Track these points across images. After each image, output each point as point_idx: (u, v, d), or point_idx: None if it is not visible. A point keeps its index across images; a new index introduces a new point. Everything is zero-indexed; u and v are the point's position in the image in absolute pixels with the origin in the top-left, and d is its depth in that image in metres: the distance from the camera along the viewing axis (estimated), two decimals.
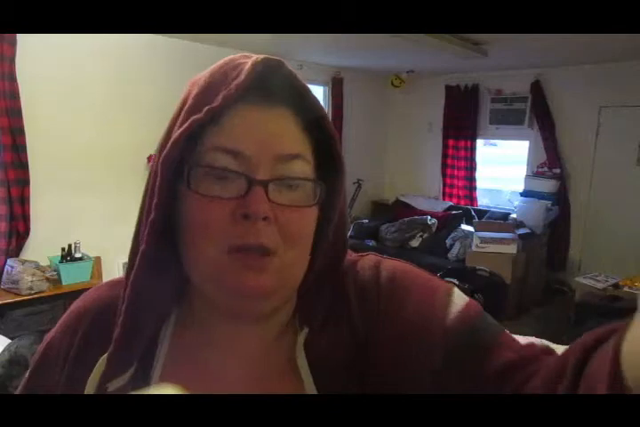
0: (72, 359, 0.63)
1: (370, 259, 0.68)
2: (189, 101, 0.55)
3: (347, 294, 0.63)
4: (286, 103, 0.56)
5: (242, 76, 0.53)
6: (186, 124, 0.52)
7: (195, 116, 0.52)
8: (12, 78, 3.62)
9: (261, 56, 0.56)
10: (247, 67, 0.54)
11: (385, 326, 0.61)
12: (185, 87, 0.60)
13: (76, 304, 0.68)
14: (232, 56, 0.58)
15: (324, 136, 0.59)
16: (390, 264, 0.67)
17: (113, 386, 0.57)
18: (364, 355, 0.60)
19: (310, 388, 0.58)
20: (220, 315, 0.60)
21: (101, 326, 0.62)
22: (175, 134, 0.53)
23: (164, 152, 0.53)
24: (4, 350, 2.93)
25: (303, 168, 0.56)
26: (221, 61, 0.58)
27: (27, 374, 0.67)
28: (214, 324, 0.62)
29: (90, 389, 0.57)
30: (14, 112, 3.66)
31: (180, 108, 0.56)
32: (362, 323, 0.61)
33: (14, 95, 3.65)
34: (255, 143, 0.53)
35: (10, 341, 3.08)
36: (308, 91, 0.57)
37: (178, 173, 0.54)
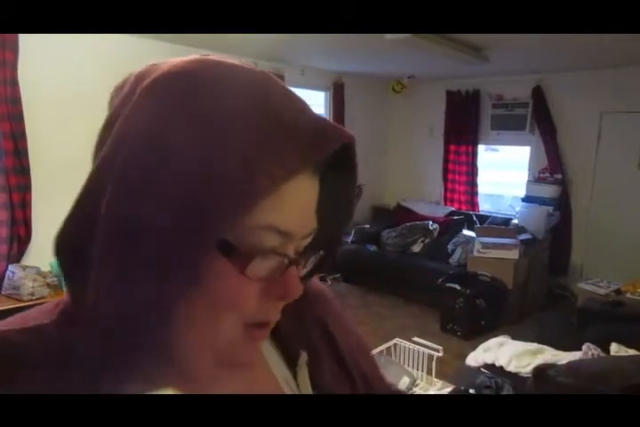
0: None
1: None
2: (248, 153, 0.43)
3: (317, 311, 0.67)
4: (324, 173, 0.52)
5: (326, 145, 0.47)
6: (248, 197, 0.42)
7: (261, 188, 0.43)
8: (14, 83, 3.63)
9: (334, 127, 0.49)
10: (333, 130, 0.48)
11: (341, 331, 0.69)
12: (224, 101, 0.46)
13: None
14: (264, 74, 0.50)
15: (345, 211, 0.59)
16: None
17: None
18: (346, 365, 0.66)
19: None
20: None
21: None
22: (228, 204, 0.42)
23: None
24: None
25: (310, 241, 0.53)
26: (284, 92, 0.49)
27: None
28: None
29: None
30: (16, 117, 3.67)
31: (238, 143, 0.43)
32: (336, 334, 0.67)
33: (16, 100, 3.66)
34: (299, 222, 0.48)
35: None
36: (356, 166, 0.55)
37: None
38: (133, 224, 0.43)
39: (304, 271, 0.53)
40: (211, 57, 0.49)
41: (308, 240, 0.51)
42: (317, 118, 0.48)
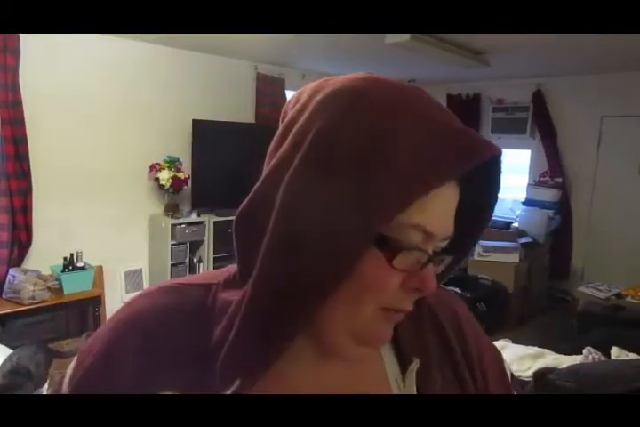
0: (130, 377, 0.56)
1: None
2: (406, 161, 0.50)
3: (441, 325, 0.71)
4: (466, 181, 0.56)
5: (478, 155, 0.52)
6: (404, 199, 0.49)
7: (415, 193, 0.49)
8: (15, 88, 3.64)
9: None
10: (478, 142, 0.53)
11: (474, 359, 0.71)
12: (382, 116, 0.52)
13: (123, 315, 0.61)
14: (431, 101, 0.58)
15: (480, 219, 0.62)
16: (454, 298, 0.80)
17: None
18: (465, 387, 0.68)
19: None
20: (318, 353, 0.61)
21: (162, 338, 0.58)
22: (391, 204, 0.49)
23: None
24: (5, 361, 2.92)
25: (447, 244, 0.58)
26: (430, 102, 0.57)
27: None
28: (308, 348, 0.61)
29: None
30: (17, 121, 3.68)
31: (396, 162, 0.50)
32: (460, 354, 0.70)
33: (17, 105, 3.66)
34: (442, 223, 0.54)
35: (11, 351, 3.08)
36: (500, 177, 0.58)
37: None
38: (303, 216, 0.50)
39: (437, 270, 0.58)
40: (377, 75, 0.57)
41: (446, 243, 0.57)
42: (468, 129, 0.54)
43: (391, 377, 0.65)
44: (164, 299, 0.61)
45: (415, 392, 0.63)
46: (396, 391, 0.64)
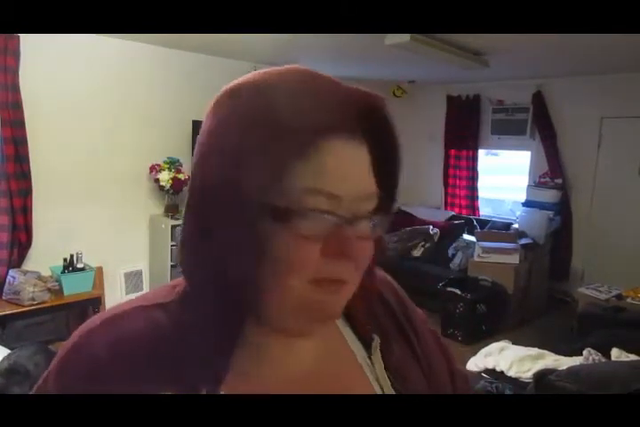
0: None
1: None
2: (269, 123, 0.50)
3: (387, 301, 0.74)
4: (368, 138, 0.56)
5: (337, 106, 0.52)
6: (276, 159, 0.49)
7: (285, 150, 0.49)
8: (16, 89, 3.64)
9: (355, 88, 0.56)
10: (342, 93, 0.54)
11: (417, 324, 0.76)
12: (251, 96, 0.56)
13: (67, 359, 0.58)
14: (307, 70, 0.57)
15: (390, 171, 0.60)
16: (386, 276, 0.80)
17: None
18: (416, 351, 0.72)
19: (389, 391, 0.65)
20: (275, 336, 0.61)
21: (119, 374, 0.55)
22: (261, 164, 0.50)
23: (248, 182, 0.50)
24: (3, 359, 2.92)
25: (374, 204, 0.56)
26: (298, 74, 0.57)
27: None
28: (268, 343, 0.62)
29: None
30: (17, 123, 3.68)
31: (257, 127, 0.51)
32: (406, 323, 0.74)
33: (17, 106, 3.67)
34: (346, 184, 0.52)
35: (10, 352, 3.07)
36: (391, 126, 0.57)
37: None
38: (203, 207, 0.54)
39: (368, 232, 0.56)
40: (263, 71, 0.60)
41: (370, 203, 0.55)
42: (347, 87, 0.55)
43: (358, 355, 0.67)
44: (129, 325, 0.58)
45: (383, 367, 0.66)
46: (366, 369, 0.66)
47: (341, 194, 0.52)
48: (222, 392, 0.55)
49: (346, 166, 0.53)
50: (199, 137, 0.58)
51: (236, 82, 0.61)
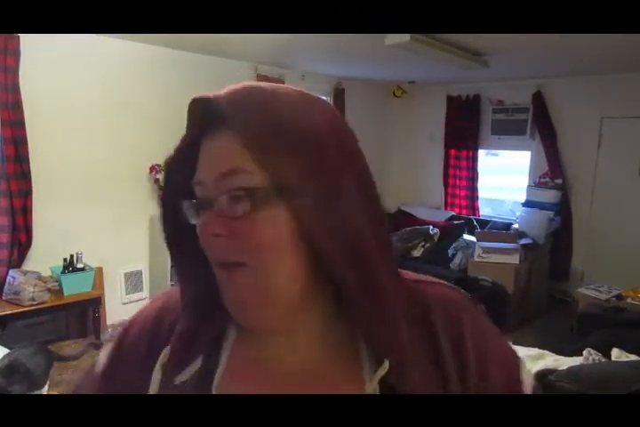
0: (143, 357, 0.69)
1: (445, 293, 0.70)
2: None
3: (432, 323, 0.65)
4: (230, 128, 0.58)
5: (189, 120, 0.63)
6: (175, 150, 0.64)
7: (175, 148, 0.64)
8: (16, 89, 3.64)
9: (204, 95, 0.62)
10: (191, 108, 0.63)
11: (471, 367, 0.64)
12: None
13: (143, 310, 0.79)
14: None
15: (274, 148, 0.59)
16: (466, 307, 0.70)
17: (178, 379, 0.64)
18: (450, 383, 0.63)
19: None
20: (249, 335, 0.68)
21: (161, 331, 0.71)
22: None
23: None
24: (3, 357, 2.92)
25: (246, 180, 0.56)
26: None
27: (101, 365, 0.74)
28: (258, 335, 0.66)
29: (154, 382, 0.65)
30: (17, 123, 3.68)
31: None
32: (451, 354, 0.64)
33: (17, 106, 3.67)
34: (205, 169, 0.60)
35: (10, 351, 3.07)
36: (245, 112, 0.59)
37: None
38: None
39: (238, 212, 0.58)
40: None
41: (234, 180, 0.57)
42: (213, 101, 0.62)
43: (364, 367, 0.63)
44: (160, 301, 0.78)
45: (377, 389, 0.60)
46: (366, 379, 0.62)
47: (202, 179, 0.60)
48: (221, 373, 0.65)
49: (206, 156, 0.60)
50: None
51: None
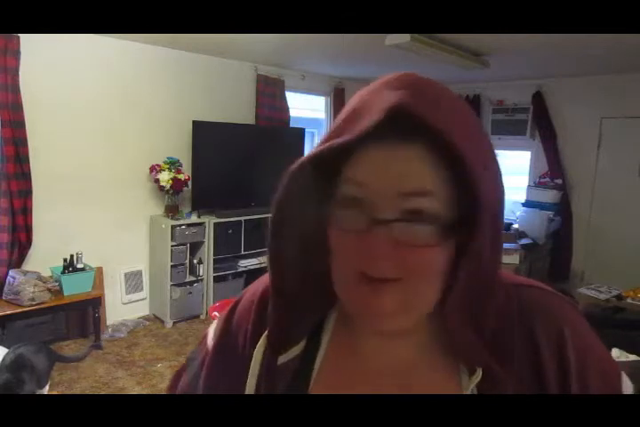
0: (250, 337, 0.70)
1: (548, 299, 0.67)
2: (339, 121, 0.59)
3: (533, 332, 0.62)
4: (421, 141, 0.53)
5: (375, 115, 0.52)
6: (323, 147, 0.54)
7: (333, 142, 0.54)
8: (16, 89, 3.64)
9: (400, 93, 0.54)
10: (384, 102, 0.54)
11: (572, 376, 0.61)
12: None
13: (250, 290, 0.76)
14: (386, 79, 0.62)
15: (461, 173, 0.53)
16: (568, 314, 0.67)
17: (281, 360, 0.65)
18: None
19: None
20: (365, 337, 0.66)
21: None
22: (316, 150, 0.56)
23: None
24: (8, 353, 2.92)
25: (431, 206, 0.53)
26: (377, 82, 0.64)
27: (209, 347, 0.75)
28: (362, 330, 0.66)
29: (255, 362, 0.67)
30: (17, 123, 3.68)
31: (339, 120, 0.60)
32: (550, 364, 0.61)
33: (17, 106, 3.67)
34: (381, 181, 0.53)
35: (14, 346, 3.07)
36: (448, 130, 0.52)
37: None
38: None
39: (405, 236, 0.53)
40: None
41: (419, 202, 0.53)
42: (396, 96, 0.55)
43: (461, 378, 0.62)
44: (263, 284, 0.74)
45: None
46: (462, 391, 0.61)
47: (375, 188, 0.53)
48: (322, 356, 0.67)
49: (383, 166, 0.53)
50: None
51: None
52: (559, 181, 5.70)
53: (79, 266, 3.99)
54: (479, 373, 0.59)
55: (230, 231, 4.80)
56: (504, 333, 0.61)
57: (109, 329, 4.38)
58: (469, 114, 0.59)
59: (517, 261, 4.94)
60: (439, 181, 0.53)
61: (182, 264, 4.68)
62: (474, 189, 0.52)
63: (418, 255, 0.53)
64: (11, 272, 3.71)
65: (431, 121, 0.51)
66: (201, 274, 4.77)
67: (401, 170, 0.53)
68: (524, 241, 5.23)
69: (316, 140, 2.97)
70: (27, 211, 3.84)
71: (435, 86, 0.58)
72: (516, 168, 6.88)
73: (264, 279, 0.74)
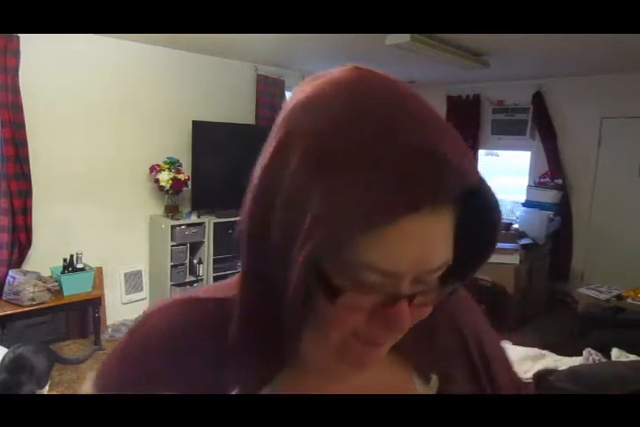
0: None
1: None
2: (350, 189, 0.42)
3: (462, 333, 0.65)
4: (451, 205, 0.46)
5: (431, 186, 0.42)
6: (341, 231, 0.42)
7: (351, 231, 0.42)
8: (16, 90, 3.64)
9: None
10: (450, 174, 0.43)
11: (492, 365, 0.66)
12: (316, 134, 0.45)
13: (142, 332, 0.61)
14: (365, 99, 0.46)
15: (478, 247, 0.52)
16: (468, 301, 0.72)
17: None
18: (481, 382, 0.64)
19: None
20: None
21: (180, 353, 0.56)
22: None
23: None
24: (7, 352, 2.91)
25: (444, 268, 0.49)
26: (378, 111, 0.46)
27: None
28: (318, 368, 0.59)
29: None
30: (17, 123, 3.68)
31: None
32: (477, 356, 0.65)
33: (17, 106, 3.67)
34: (409, 261, 0.45)
35: (13, 346, 3.06)
36: (485, 189, 0.48)
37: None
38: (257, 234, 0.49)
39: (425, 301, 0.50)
40: (367, 71, 0.51)
41: (438, 273, 0.48)
42: (454, 154, 0.45)
43: (417, 387, 0.62)
44: (188, 313, 0.60)
45: None
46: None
47: (401, 271, 0.45)
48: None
49: (412, 243, 0.44)
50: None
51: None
52: (559, 181, 5.69)
53: (79, 266, 3.99)
54: (435, 379, 0.60)
55: (230, 231, 4.80)
56: (438, 330, 0.62)
57: (109, 329, 4.38)
58: (447, 123, 0.50)
59: (517, 262, 4.94)
60: (452, 242, 0.48)
61: (182, 264, 4.68)
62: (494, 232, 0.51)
63: (424, 313, 0.51)
64: (11, 272, 3.71)
65: (464, 170, 0.45)
66: (201, 274, 4.77)
67: (431, 246, 0.46)
68: (524, 241, 5.23)
69: None
70: (27, 211, 3.84)
71: (418, 98, 0.49)
72: (515, 168, 6.89)
73: (170, 312, 0.61)
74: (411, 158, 0.42)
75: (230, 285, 0.60)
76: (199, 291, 0.64)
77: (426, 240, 0.45)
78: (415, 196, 0.42)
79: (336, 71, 0.52)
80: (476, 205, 0.48)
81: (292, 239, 0.44)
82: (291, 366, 0.55)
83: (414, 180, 0.42)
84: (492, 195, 0.48)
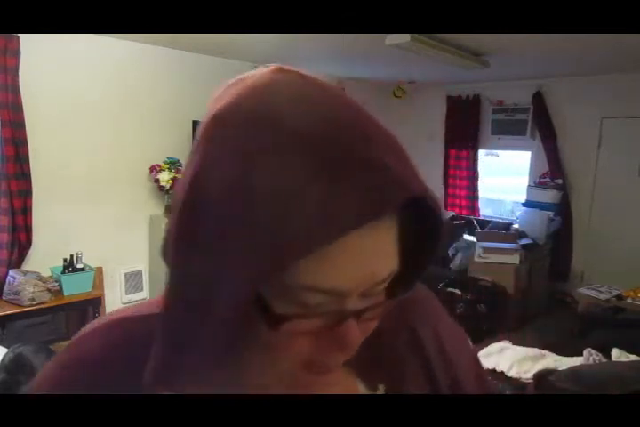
0: None
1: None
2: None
3: (418, 335, 0.64)
4: (394, 215, 0.45)
5: (373, 199, 0.40)
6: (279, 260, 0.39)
7: (290, 252, 0.38)
8: (16, 89, 3.64)
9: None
10: (390, 186, 0.41)
11: (454, 364, 0.65)
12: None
13: (71, 356, 0.57)
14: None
15: (422, 254, 0.52)
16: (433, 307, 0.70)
17: None
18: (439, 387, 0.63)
19: None
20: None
21: (112, 374, 0.53)
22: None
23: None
24: (7, 352, 2.91)
25: (389, 280, 0.47)
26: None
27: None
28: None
29: None
30: (17, 123, 3.68)
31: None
32: (436, 359, 0.64)
33: (17, 106, 3.67)
34: (354, 278, 0.43)
35: (13, 346, 3.06)
36: (428, 197, 0.46)
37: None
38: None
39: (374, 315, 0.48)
40: (278, 77, 0.49)
41: (385, 284, 0.47)
42: (384, 167, 0.42)
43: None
44: (111, 335, 0.57)
45: None
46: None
47: (348, 288, 0.43)
48: None
49: (355, 259, 0.42)
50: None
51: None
52: (559, 181, 5.70)
53: (79, 266, 3.99)
54: (381, 388, 0.59)
55: None
56: (389, 334, 0.59)
57: None
58: (387, 131, 0.49)
59: (517, 262, 4.94)
60: (397, 251, 0.46)
61: None
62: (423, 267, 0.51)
63: (372, 326, 0.50)
64: (11, 272, 3.71)
65: (407, 180, 0.43)
66: None
67: (375, 258, 0.44)
68: (524, 241, 5.23)
69: None
70: (27, 211, 3.84)
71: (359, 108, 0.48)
72: (516, 168, 6.89)
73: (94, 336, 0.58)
74: (349, 171, 0.40)
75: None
76: (134, 307, 0.63)
77: (370, 253, 0.43)
78: (356, 210, 0.39)
79: (255, 75, 0.50)
80: (421, 213, 0.47)
81: (223, 262, 0.42)
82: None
83: (354, 193, 0.39)
84: (436, 202, 0.47)
